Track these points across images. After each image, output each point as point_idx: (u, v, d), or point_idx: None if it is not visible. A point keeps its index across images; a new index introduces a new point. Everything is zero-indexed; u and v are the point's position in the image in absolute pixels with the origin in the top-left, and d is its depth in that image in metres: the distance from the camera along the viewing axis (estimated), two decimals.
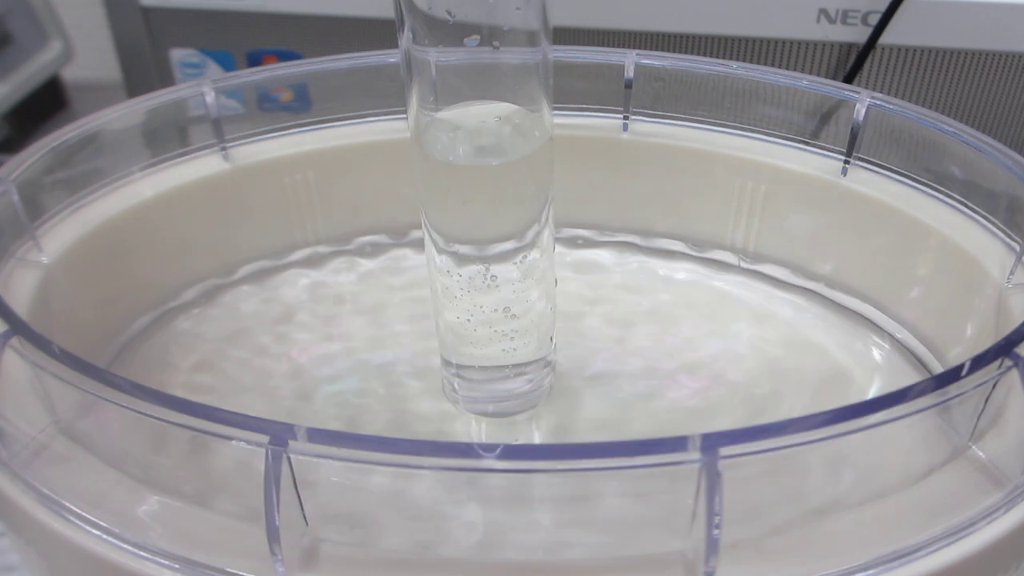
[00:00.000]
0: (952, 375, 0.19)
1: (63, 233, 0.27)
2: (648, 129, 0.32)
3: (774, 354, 0.29)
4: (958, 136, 0.27)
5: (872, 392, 0.28)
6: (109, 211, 0.29)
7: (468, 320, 0.25)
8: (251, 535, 0.18)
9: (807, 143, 0.31)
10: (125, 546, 0.18)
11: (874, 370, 0.29)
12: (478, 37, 0.21)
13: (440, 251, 0.24)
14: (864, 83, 0.42)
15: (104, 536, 0.18)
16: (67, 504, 0.19)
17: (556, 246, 0.34)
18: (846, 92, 0.29)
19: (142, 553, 0.18)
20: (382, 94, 0.33)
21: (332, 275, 0.33)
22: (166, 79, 0.49)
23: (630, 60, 0.31)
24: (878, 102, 0.29)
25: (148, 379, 0.28)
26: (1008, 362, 0.19)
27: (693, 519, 0.17)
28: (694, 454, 0.16)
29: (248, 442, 0.17)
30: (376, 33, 0.45)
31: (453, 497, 0.18)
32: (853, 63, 0.41)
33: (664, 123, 0.32)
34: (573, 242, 0.34)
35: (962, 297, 0.27)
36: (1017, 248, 0.26)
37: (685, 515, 0.17)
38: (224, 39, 0.48)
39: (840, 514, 0.18)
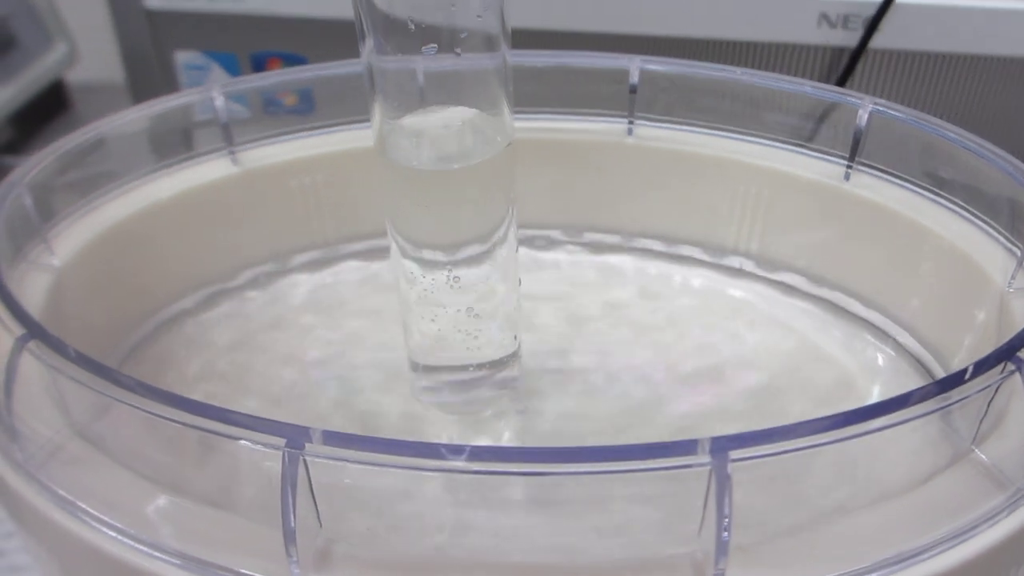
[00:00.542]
0: (955, 379, 0.19)
1: (74, 236, 0.28)
2: (652, 134, 0.33)
3: (776, 358, 0.30)
4: (959, 142, 0.27)
5: (875, 396, 0.28)
6: (119, 214, 0.29)
7: (432, 320, 0.26)
8: (266, 536, 0.18)
9: (810, 148, 0.31)
10: (139, 547, 0.18)
11: (877, 374, 0.29)
12: (436, 46, 0.22)
13: (406, 256, 0.25)
14: (856, 87, 0.42)
15: (119, 537, 0.18)
16: (82, 505, 0.19)
17: (557, 249, 0.35)
18: (849, 98, 0.30)
19: (156, 554, 0.18)
20: None
21: (340, 278, 0.33)
22: (170, 82, 0.50)
23: (635, 65, 0.32)
24: (880, 108, 0.29)
25: (158, 381, 0.28)
26: (1011, 366, 0.19)
27: (703, 522, 0.17)
28: (703, 457, 0.17)
29: (264, 445, 0.17)
30: None
31: (466, 499, 0.18)
32: (844, 67, 0.41)
33: (668, 128, 0.33)
34: (573, 245, 0.35)
35: (964, 301, 0.27)
36: (1019, 253, 0.26)
37: (694, 518, 0.17)
38: (228, 42, 0.48)
39: (845, 517, 0.19)
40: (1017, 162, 0.26)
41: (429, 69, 0.22)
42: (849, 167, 0.30)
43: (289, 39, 0.47)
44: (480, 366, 0.27)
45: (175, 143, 0.31)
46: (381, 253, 0.34)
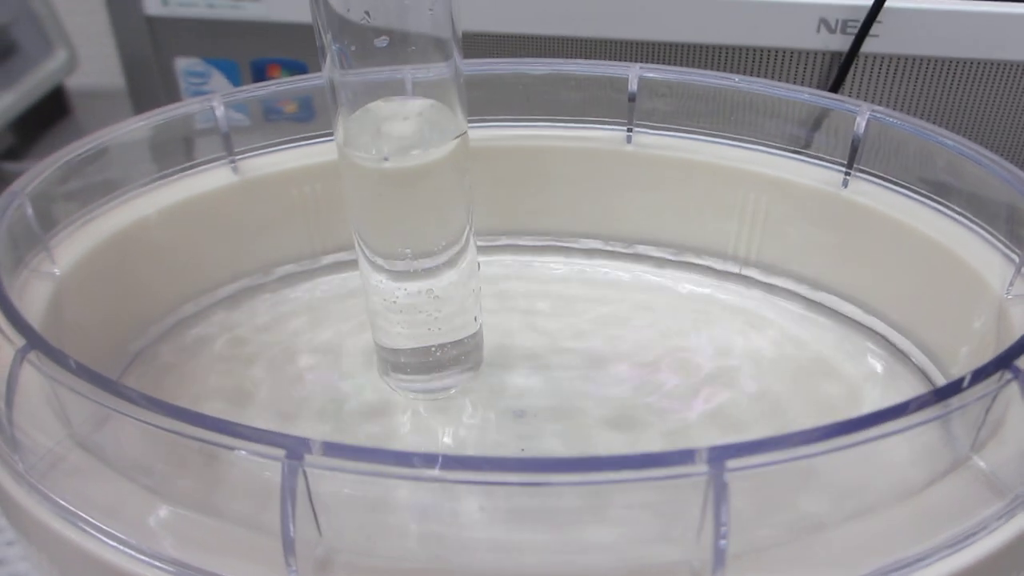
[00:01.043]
0: (953, 388, 0.19)
1: (75, 245, 0.28)
2: (651, 141, 0.33)
3: (774, 364, 0.30)
4: (957, 148, 0.27)
5: (873, 402, 0.28)
6: (120, 223, 0.29)
7: (394, 302, 0.27)
8: (266, 546, 0.18)
9: (808, 155, 0.31)
10: (140, 556, 0.18)
11: (876, 380, 0.29)
12: (387, 38, 0.23)
13: (366, 246, 0.27)
14: (851, 93, 0.42)
15: (119, 546, 0.19)
16: (83, 515, 0.19)
17: (555, 257, 0.35)
18: (847, 105, 0.30)
19: (156, 563, 0.18)
20: None
21: (339, 286, 0.33)
22: (171, 88, 0.50)
23: (633, 73, 0.32)
24: (878, 114, 0.29)
25: (159, 390, 0.29)
26: (1008, 375, 0.19)
27: (700, 530, 0.17)
28: (701, 467, 0.17)
29: (264, 456, 0.17)
30: None
31: (466, 508, 0.18)
32: (837, 73, 0.41)
33: (667, 135, 0.33)
34: (573, 252, 0.35)
35: (963, 308, 0.27)
36: (1017, 259, 0.26)
37: (692, 526, 0.18)
38: (228, 48, 0.48)
39: (843, 525, 0.19)
40: (1015, 168, 0.26)
41: (384, 62, 0.24)
42: (847, 174, 0.30)
43: (289, 46, 0.47)
44: (442, 346, 0.28)
45: (176, 152, 0.31)
46: None
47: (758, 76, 0.42)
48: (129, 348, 0.29)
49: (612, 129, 0.33)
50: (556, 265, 0.35)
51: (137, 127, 0.30)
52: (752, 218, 0.32)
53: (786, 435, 0.17)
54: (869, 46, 0.40)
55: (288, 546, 0.17)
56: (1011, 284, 0.26)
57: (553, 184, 0.34)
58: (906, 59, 0.41)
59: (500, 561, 0.18)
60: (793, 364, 0.30)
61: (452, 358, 0.28)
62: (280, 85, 0.33)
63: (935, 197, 0.29)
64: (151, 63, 0.49)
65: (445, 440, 0.27)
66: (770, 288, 0.33)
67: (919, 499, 0.19)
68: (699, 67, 0.42)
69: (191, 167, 0.31)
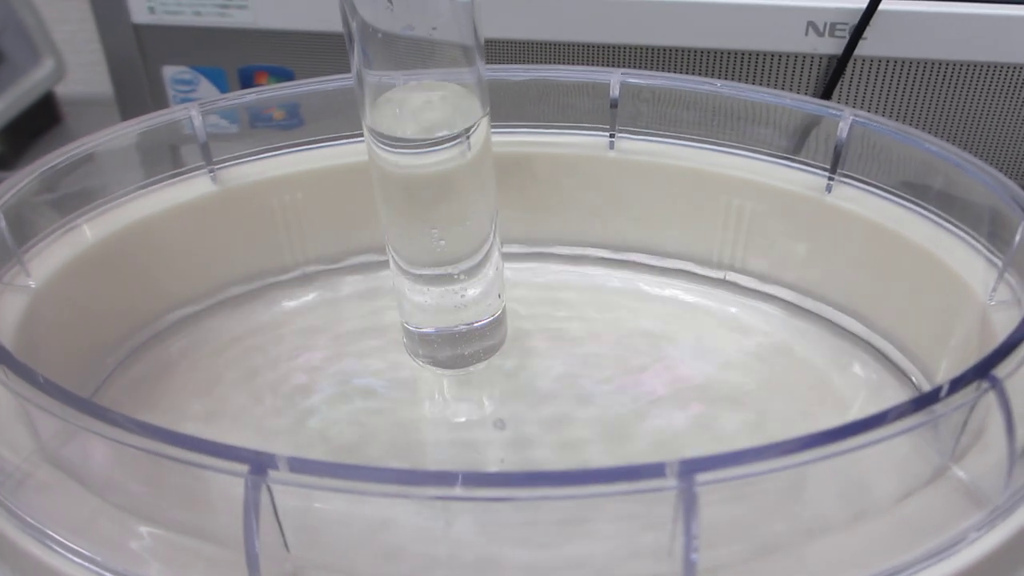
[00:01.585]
0: (931, 397, 0.19)
1: (50, 258, 0.28)
2: (634, 147, 0.32)
3: (758, 369, 0.30)
4: (940, 154, 0.27)
5: (858, 408, 0.28)
6: (96, 235, 0.29)
7: (425, 291, 0.28)
8: (234, 563, 0.18)
9: (793, 160, 0.31)
10: (107, 574, 0.18)
11: (860, 386, 0.29)
12: (412, 26, 0.24)
13: (393, 230, 0.27)
14: (843, 96, 0.42)
15: (87, 564, 0.18)
16: (51, 533, 0.19)
17: (535, 263, 0.35)
18: (829, 110, 0.30)
19: None
20: None
21: (321, 296, 0.33)
22: (159, 96, 0.50)
23: (615, 79, 0.32)
24: (861, 120, 0.29)
25: (138, 404, 0.28)
26: (986, 384, 0.19)
27: (672, 543, 0.17)
28: (671, 481, 0.16)
29: (227, 472, 0.17)
30: None
31: (435, 523, 0.18)
32: (831, 76, 0.41)
33: (650, 141, 0.32)
34: (558, 258, 0.34)
35: (946, 313, 0.27)
36: (1000, 265, 0.26)
37: (664, 539, 0.17)
38: (216, 56, 0.48)
39: (821, 536, 0.19)
40: (997, 173, 0.26)
41: (409, 47, 0.24)
42: (831, 179, 0.30)
43: (276, 53, 0.47)
44: (467, 325, 0.28)
45: (155, 162, 0.31)
46: (361, 269, 0.34)
47: (748, 80, 0.42)
48: (106, 361, 0.29)
49: (594, 135, 0.33)
50: (537, 271, 0.34)
51: (114, 137, 0.30)
52: (736, 223, 0.32)
53: (758, 448, 0.17)
54: (860, 49, 0.40)
55: (252, 562, 0.17)
56: (994, 290, 0.25)
57: (534, 190, 0.33)
58: (896, 62, 0.41)
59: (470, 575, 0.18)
60: (777, 370, 0.30)
61: (478, 336, 0.29)
62: (261, 93, 0.33)
63: (919, 202, 0.28)
64: (139, 71, 0.49)
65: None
66: (754, 293, 0.32)
67: (898, 510, 0.19)
68: (688, 72, 0.42)
69: (170, 177, 0.31)
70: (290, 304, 0.33)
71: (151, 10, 0.47)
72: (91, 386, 0.28)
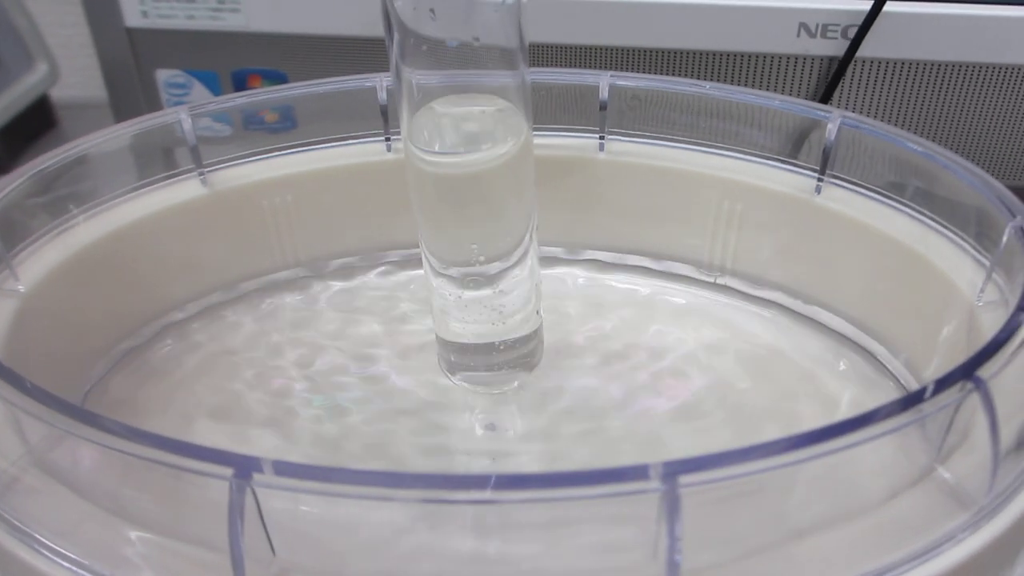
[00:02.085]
0: (916, 398, 0.19)
1: (40, 262, 0.28)
2: (624, 148, 0.33)
3: (747, 370, 0.30)
4: (927, 155, 0.27)
5: (848, 410, 0.28)
6: (85, 239, 0.29)
7: (459, 298, 0.27)
8: (221, 566, 0.18)
9: (782, 161, 0.31)
10: None
11: (851, 387, 0.29)
12: (457, 39, 0.23)
13: (433, 250, 0.27)
14: (845, 96, 0.42)
15: (75, 568, 0.18)
16: (39, 536, 0.19)
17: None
18: (818, 112, 0.30)
19: None
20: (361, 116, 0.33)
21: (313, 297, 0.33)
22: (152, 100, 0.50)
23: (604, 81, 0.32)
24: (850, 121, 0.29)
25: (128, 407, 0.28)
26: (970, 385, 0.19)
27: (656, 545, 0.17)
28: (654, 483, 0.16)
29: (211, 475, 0.17)
30: (359, 52, 0.45)
31: (418, 526, 0.18)
32: (831, 77, 0.41)
33: (640, 142, 0.32)
34: (547, 260, 0.35)
35: (935, 314, 0.27)
36: (987, 264, 0.26)
37: (649, 541, 0.17)
38: (208, 59, 0.48)
39: (806, 537, 0.19)
40: (983, 174, 0.26)
41: (450, 60, 0.24)
42: (820, 180, 0.30)
43: (269, 56, 0.47)
44: (504, 342, 0.28)
45: (145, 165, 0.31)
46: (352, 272, 0.34)
47: (742, 81, 0.42)
48: (97, 365, 0.29)
49: (584, 137, 0.33)
50: None
51: (104, 140, 0.30)
52: (727, 224, 0.32)
53: (741, 450, 0.17)
54: (861, 50, 0.40)
55: (237, 565, 0.17)
56: (982, 291, 0.25)
57: None
58: (897, 63, 0.41)
59: None
60: (767, 370, 0.30)
61: (515, 352, 0.28)
62: (250, 96, 0.33)
63: (908, 203, 0.29)
64: (132, 75, 0.49)
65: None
66: (743, 295, 0.32)
67: (883, 511, 0.19)
68: (681, 73, 0.43)
69: (159, 180, 0.31)
70: (281, 306, 0.33)
71: (144, 14, 0.47)
72: (81, 390, 0.28)
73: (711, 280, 0.33)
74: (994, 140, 0.42)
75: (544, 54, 0.43)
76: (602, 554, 0.18)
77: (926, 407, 0.19)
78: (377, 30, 0.44)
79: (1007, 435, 0.19)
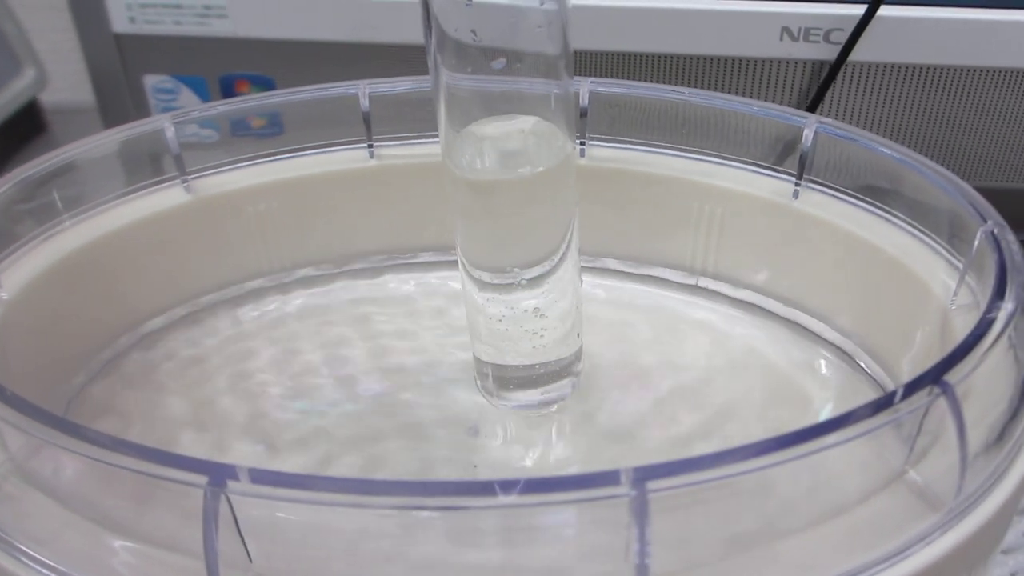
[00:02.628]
0: (885, 402, 0.19)
1: (22, 269, 0.28)
2: (604, 154, 0.33)
3: (726, 373, 0.30)
4: (900, 159, 0.28)
5: (826, 411, 0.28)
6: (68, 246, 0.29)
7: (500, 321, 0.27)
8: (198, 573, 0.18)
9: (761, 166, 0.31)
10: None
11: (829, 390, 0.29)
12: (504, 59, 0.23)
13: (474, 267, 0.26)
14: (836, 101, 0.42)
15: None
16: (18, 544, 0.19)
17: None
18: (794, 117, 0.30)
19: None
20: (346, 123, 0.34)
21: (300, 305, 0.33)
22: (140, 105, 0.50)
23: (584, 88, 0.32)
24: (826, 127, 0.29)
25: (112, 415, 0.29)
26: (937, 389, 0.19)
27: (627, 549, 0.17)
28: (623, 488, 0.17)
29: (185, 483, 0.17)
30: (347, 57, 0.45)
31: (394, 532, 0.18)
32: (822, 81, 0.41)
33: (619, 148, 0.33)
34: None
35: (910, 317, 0.27)
36: (960, 268, 0.26)
37: (619, 546, 0.18)
38: (196, 65, 0.48)
39: (775, 541, 0.19)
40: (954, 177, 0.26)
41: (493, 80, 0.23)
42: (797, 185, 0.30)
43: (257, 61, 0.47)
44: (545, 364, 0.28)
45: (129, 173, 0.31)
46: (334, 280, 0.34)
47: (725, 85, 0.43)
48: (80, 373, 0.29)
49: None
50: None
51: (89, 148, 0.30)
52: (707, 228, 0.32)
53: (711, 455, 0.17)
54: (852, 54, 0.41)
55: (212, 572, 0.17)
56: (955, 294, 0.26)
57: None
58: (888, 67, 0.41)
59: None
60: (746, 374, 0.30)
61: (555, 374, 0.28)
62: (234, 104, 0.33)
63: (883, 206, 0.29)
64: (120, 80, 0.49)
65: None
66: (721, 297, 0.33)
67: (853, 514, 0.19)
68: (663, 78, 0.43)
69: (145, 187, 0.31)
70: (265, 313, 0.33)
71: (131, 19, 0.47)
72: (64, 398, 0.29)
73: (692, 283, 0.33)
74: (992, 142, 0.42)
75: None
76: (577, 560, 0.18)
77: (894, 411, 0.19)
78: (364, 35, 0.44)
79: (975, 438, 0.20)
